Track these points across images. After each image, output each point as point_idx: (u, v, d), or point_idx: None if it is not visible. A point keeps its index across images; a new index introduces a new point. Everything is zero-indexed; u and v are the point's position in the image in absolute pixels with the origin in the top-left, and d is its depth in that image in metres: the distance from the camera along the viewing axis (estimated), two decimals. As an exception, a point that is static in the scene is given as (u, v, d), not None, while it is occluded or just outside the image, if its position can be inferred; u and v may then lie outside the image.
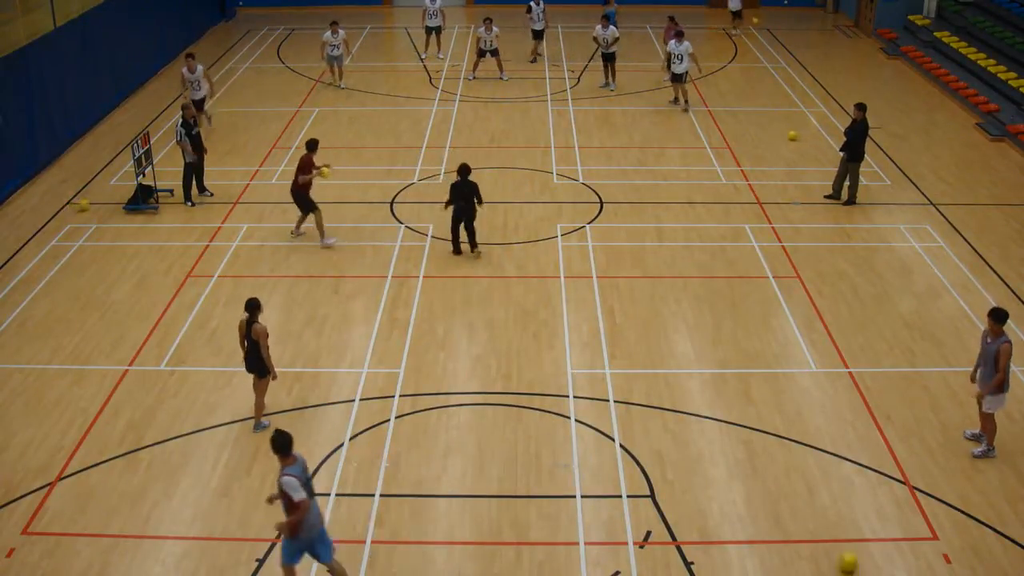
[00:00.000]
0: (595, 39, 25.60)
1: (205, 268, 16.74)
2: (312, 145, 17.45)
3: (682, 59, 23.91)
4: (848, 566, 10.45)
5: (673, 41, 24.08)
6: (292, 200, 17.54)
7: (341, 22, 26.67)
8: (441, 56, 29.24)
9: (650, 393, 13.41)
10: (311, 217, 17.48)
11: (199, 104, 22.54)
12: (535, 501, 11.47)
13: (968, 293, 15.94)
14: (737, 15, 32.09)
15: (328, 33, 25.82)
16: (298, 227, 17.76)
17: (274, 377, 12.55)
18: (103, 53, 24.18)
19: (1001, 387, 11.87)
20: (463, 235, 16.97)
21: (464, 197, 16.57)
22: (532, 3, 27.48)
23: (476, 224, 16.96)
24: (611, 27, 25.27)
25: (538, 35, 28.09)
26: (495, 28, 26.31)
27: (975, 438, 12.42)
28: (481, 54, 26.61)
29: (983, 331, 12.12)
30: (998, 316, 11.86)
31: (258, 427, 12.65)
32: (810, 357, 14.25)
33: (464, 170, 16.59)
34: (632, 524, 11.08)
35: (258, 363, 12.38)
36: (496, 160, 21.19)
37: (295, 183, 17.29)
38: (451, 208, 16.76)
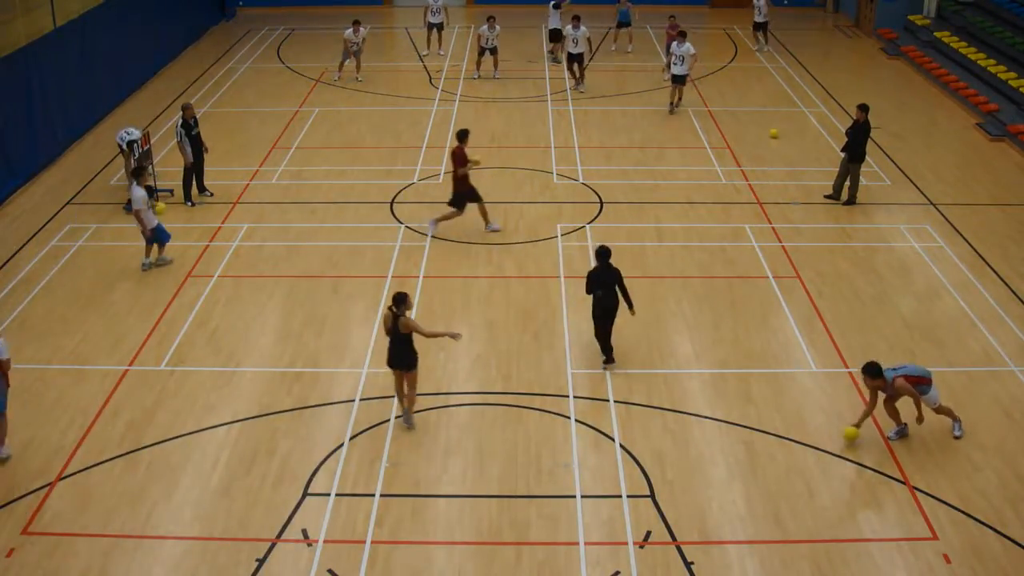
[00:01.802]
0: (564, 37, 25.77)
1: (205, 268, 16.74)
2: (463, 135, 17.41)
3: (683, 60, 23.77)
4: (851, 436, 12.11)
5: (675, 43, 23.98)
6: (453, 198, 17.52)
7: (341, 22, 26.79)
8: (442, 53, 29.36)
9: (650, 393, 13.41)
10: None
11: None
12: (535, 501, 11.47)
13: (968, 293, 15.93)
14: (762, 28, 29.98)
15: (350, 31, 26.27)
16: (489, 222, 17.82)
17: (456, 336, 12.75)
18: (103, 53, 24.17)
19: (922, 391, 12.15)
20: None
21: (605, 285, 13.65)
22: (570, 26, 26.76)
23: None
24: (581, 27, 25.37)
25: (556, 35, 27.56)
26: (497, 27, 26.37)
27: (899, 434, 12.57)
28: (481, 52, 26.67)
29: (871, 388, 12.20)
30: (871, 372, 12.01)
31: (408, 421, 12.69)
32: (810, 357, 14.25)
33: (604, 253, 13.74)
34: (632, 524, 11.08)
35: (406, 357, 12.40)
36: (496, 160, 21.19)
37: (454, 177, 17.33)
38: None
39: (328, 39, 31.13)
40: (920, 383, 12.20)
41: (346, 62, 26.75)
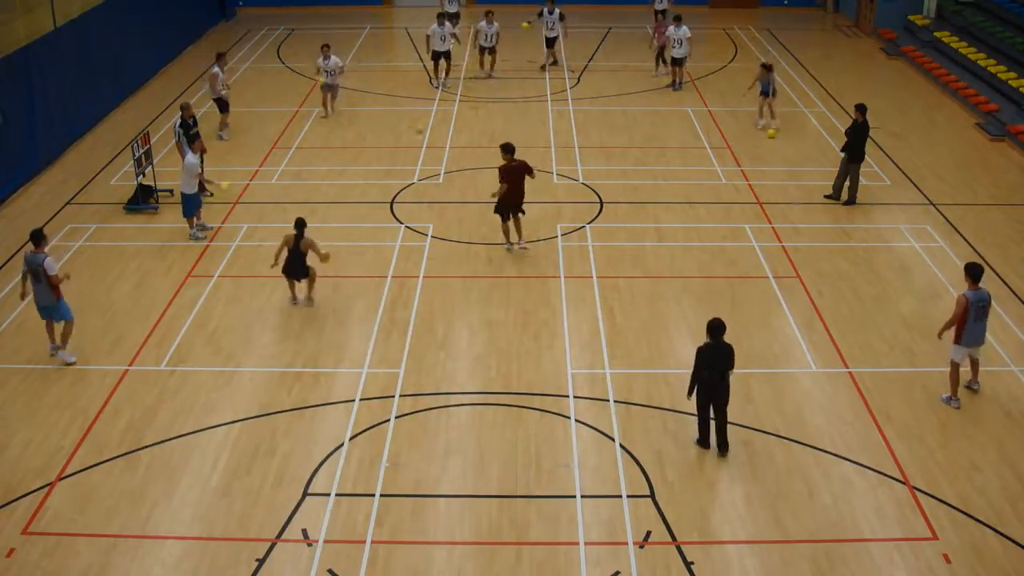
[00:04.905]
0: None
1: (205, 268, 16.74)
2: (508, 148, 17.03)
3: (681, 44, 25.43)
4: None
5: (672, 26, 25.56)
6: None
7: (342, 22, 26.58)
8: (447, 85, 27.46)
9: (650, 393, 13.41)
10: None
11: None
12: (535, 501, 11.47)
13: (968, 293, 15.92)
14: (679, 63, 26.09)
15: (320, 58, 23.61)
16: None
17: (326, 259, 15.28)
18: (103, 53, 24.18)
19: (955, 338, 12.90)
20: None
21: (717, 364, 12.03)
22: (545, 9, 27.17)
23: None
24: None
25: (550, 43, 27.68)
26: (496, 23, 26.34)
27: (967, 387, 13.36)
28: (482, 51, 26.75)
29: None
30: (967, 270, 13.09)
31: (310, 301, 15.46)
32: (810, 357, 14.25)
33: (718, 328, 12.02)
34: (632, 524, 11.08)
35: (303, 268, 15.28)
36: (496, 160, 21.07)
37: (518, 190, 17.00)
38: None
39: (328, 39, 31.07)
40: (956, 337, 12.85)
41: (329, 95, 23.70)
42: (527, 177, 17.10)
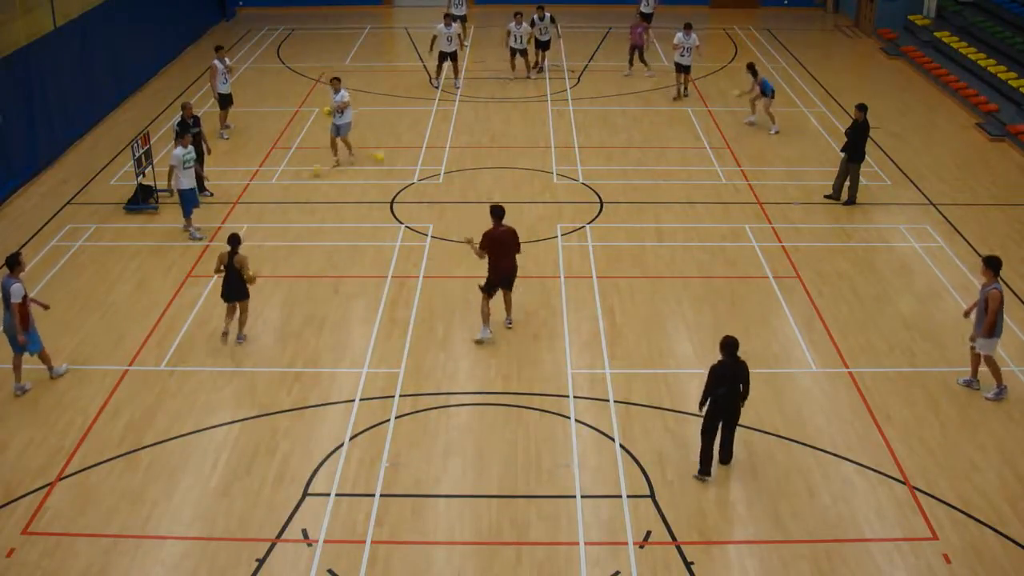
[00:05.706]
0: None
1: (205, 268, 16.73)
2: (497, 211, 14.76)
3: (688, 52, 25.03)
4: None
5: (681, 33, 25.00)
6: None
7: (341, 22, 26.49)
8: (467, 45, 29.26)
9: (650, 393, 13.41)
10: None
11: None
12: (535, 501, 11.47)
13: (968, 293, 15.91)
14: (647, 18, 28.30)
15: (332, 92, 20.60)
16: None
17: (252, 281, 14.35)
18: (103, 53, 24.17)
19: (992, 331, 12.98)
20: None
21: (730, 382, 11.58)
22: (535, 16, 27.09)
23: None
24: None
25: (543, 45, 27.75)
26: (524, 24, 26.36)
27: (968, 384, 13.46)
28: (513, 53, 26.75)
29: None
30: (988, 263, 13.10)
31: (241, 338, 14.51)
32: (810, 357, 14.25)
33: (731, 345, 11.57)
34: (632, 524, 11.08)
35: (241, 288, 14.27)
36: (496, 160, 21.18)
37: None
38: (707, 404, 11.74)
39: (328, 39, 31.15)
40: (991, 331, 13.00)
41: (339, 136, 20.74)
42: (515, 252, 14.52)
